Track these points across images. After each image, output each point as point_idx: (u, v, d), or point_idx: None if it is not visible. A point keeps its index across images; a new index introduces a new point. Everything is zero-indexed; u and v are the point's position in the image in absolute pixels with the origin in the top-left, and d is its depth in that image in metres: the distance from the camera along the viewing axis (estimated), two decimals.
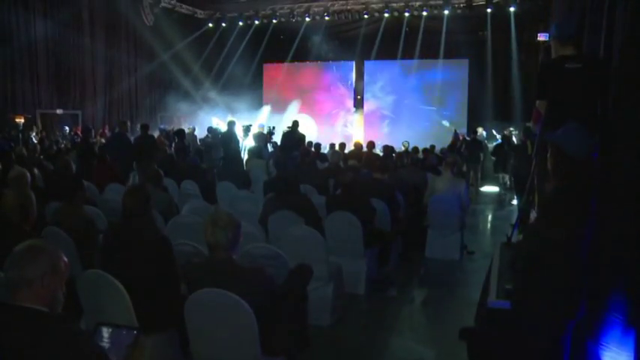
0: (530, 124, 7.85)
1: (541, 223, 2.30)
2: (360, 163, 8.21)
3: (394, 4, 16.02)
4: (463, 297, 4.82)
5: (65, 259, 1.83)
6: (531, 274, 2.30)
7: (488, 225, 8.22)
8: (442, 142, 14.49)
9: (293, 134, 8.92)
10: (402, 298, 4.87)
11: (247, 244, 3.51)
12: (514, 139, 11.80)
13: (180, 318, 2.68)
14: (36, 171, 8.16)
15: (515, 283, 2.60)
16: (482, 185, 11.46)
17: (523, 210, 4.59)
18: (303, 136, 9.63)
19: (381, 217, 5.24)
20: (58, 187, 5.17)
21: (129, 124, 9.45)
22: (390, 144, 10.83)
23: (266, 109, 17.26)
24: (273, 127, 9.85)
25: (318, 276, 4.02)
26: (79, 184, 4.33)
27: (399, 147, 11.45)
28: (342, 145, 10.36)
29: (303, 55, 18.26)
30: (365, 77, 18.14)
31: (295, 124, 9.43)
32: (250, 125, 10.10)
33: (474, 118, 16.13)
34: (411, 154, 8.07)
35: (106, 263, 3.02)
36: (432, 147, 10.37)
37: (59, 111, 14.60)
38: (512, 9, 15.10)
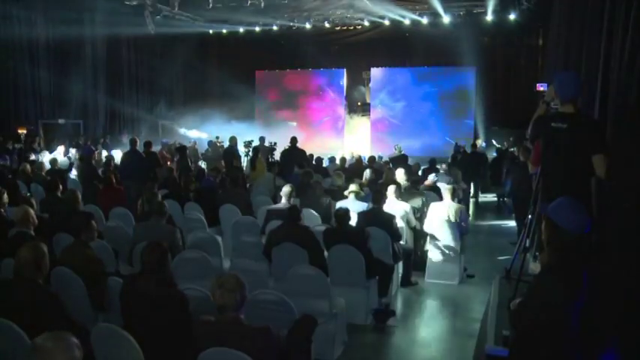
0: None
1: (535, 294, 2.40)
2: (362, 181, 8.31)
3: (394, 13, 16.08)
4: (463, 328, 4.93)
5: (79, 344, 1.93)
6: (526, 341, 2.40)
7: (487, 242, 8.28)
8: (446, 151, 14.60)
9: (293, 151, 9.05)
10: (403, 328, 4.97)
11: (254, 290, 3.60)
12: (512, 150, 11.88)
13: None
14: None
15: (511, 344, 2.70)
16: (481, 195, 11.53)
17: (521, 244, 4.65)
18: (303, 153, 9.76)
19: (382, 246, 5.34)
20: (65, 219, 5.28)
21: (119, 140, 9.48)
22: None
23: (259, 120, 17.45)
24: (275, 143, 9.97)
25: (322, 312, 4.14)
26: (87, 220, 4.41)
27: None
28: (343, 160, 10.46)
29: (300, 62, 18.35)
30: (369, 84, 18.24)
31: (294, 140, 9.57)
32: (252, 141, 10.20)
33: (481, 125, 16.27)
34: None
35: (124, 314, 3.14)
36: (433, 161, 10.41)
37: (61, 121, 14.69)
38: (512, 16, 15.15)
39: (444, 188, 6.26)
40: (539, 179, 3.29)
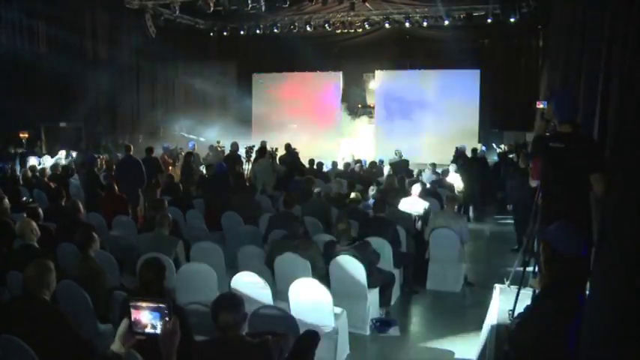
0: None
1: (532, 316, 2.44)
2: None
3: (395, 16, 16.13)
4: (464, 337, 4.96)
5: None
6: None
7: (488, 249, 8.30)
8: (448, 154, 14.61)
9: (288, 157, 9.18)
10: (404, 337, 5.00)
11: (257, 302, 3.65)
12: (511, 156, 11.89)
13: None
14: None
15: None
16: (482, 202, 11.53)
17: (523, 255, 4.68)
18: (296, 156, 9.86)
19: (383, 255, 5.37)
20: (68, 229, 5.31)
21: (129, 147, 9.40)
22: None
23: (258, 122, 17.52)
24: (276, 149, 10.01)
25: (324, 324, 4.19)
26: (88, 232, 4.45)
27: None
28: (346, 165, 10.49)
29: (300, 65, 18.35)
30: (370, 87, 18.28)
31: (287, 146, 9.69)
32: (253, 146, 10.25)
33: (484, 127, 16.30)
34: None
35: None
36: (433, 166, 10.42)
37: (62, 124, 14.73)
38: (512, 19, 15.17)
39: (445, 196, 6.29)
40: (539, 195, 3.31)
